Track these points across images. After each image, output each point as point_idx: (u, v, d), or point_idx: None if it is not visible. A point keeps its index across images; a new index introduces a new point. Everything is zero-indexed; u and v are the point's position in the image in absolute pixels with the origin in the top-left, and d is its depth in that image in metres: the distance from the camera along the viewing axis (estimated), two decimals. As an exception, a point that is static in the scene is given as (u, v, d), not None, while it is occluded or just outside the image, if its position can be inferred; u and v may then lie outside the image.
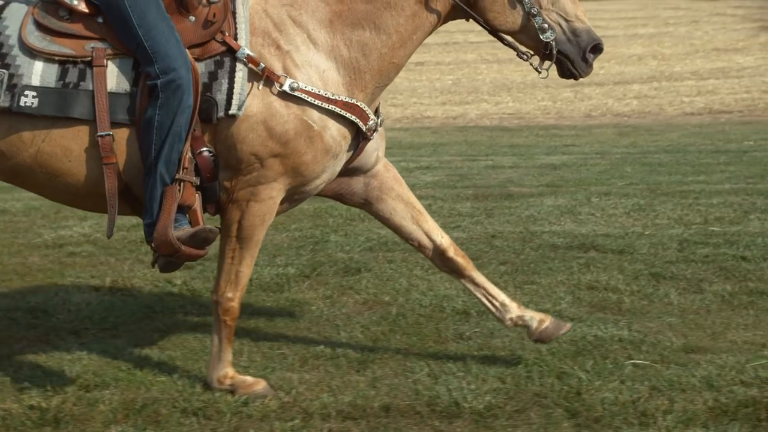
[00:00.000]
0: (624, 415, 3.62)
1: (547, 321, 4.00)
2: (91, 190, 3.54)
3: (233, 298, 3.76)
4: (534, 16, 3.58)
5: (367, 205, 4.04)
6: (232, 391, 3.78)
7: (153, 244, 3.50)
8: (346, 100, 3.59)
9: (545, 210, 7.12)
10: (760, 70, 24.50)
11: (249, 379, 3.83)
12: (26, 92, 3.44)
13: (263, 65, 3.50)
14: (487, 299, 4.04)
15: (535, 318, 4.00)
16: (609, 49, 33.88)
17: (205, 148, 3.52)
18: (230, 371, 3.80)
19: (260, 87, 3.52)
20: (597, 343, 4.35)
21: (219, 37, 3.52)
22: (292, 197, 3.77)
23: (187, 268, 5.60)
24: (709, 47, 31.03)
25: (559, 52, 3.60)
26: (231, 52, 3.51)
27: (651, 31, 35.39)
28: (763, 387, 3.83)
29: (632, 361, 4.13)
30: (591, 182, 8.30)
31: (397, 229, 4.06)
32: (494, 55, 30.37)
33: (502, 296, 4.03)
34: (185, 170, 3.48)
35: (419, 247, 4.06)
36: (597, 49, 3.64)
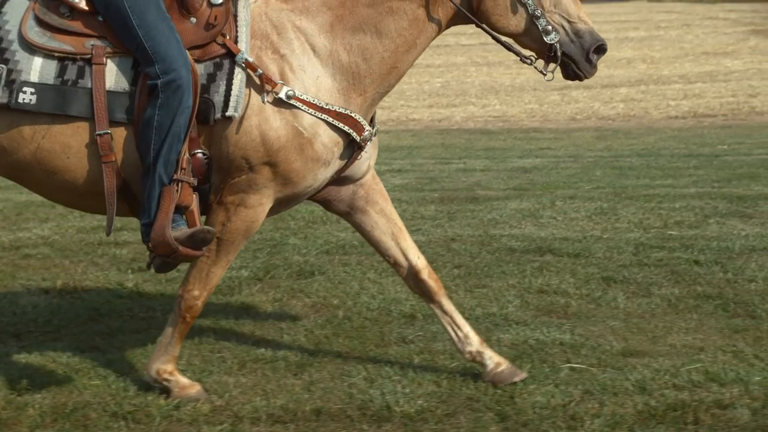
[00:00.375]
0: (553, 419, 3.64)
1: (504, 365, 3.95)
2: (89, 189, 3.54)
3: (199, 296, 3.76)
4: (538, 18, 3.57)
5: (351, 215, 4.02)
6: (165, 389, 3.79)
7: (150, 245, 3.49)
8: (339, 110, 3.58)
9: (508, 213, 7.13)
10: (748, 74, 24.53)
11: (185, 381, 3.84)
12: (24, 89, 3.44)
13: (261, 71, 3.50)
14: (452, 328, 4.00)
15: (493, 359, 3.96)
16: (598, 52, 34.22)
17: (199, 150, 3.53)
18: (171, 367, 3.80)
19: (256, 92, 3.52)
20: (538, 347, 4.37)
21: (220, 39, 3.53)
22: (282, 202, 3.76)
23: (141, 271, 5.63)
24: (698, 51, 31.08)
25: (563, 54, 3.59)
26: (231, 54, 3.52)
27: (642, 35, 35.50)
28: (694, 390, 3.85)
29: (569, 365, 4.14)
30: (558, 186, 8.31)
31: (375, 244, 4.04)
32: (484, 58, 30.45)
33: (467, 328, 4.00)
34: (183, 171, 3.48)
35: (395, 265, 4.05)
36: (600, 49, 3.63)
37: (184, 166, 3.48)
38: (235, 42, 3.54)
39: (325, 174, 3.69)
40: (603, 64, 18.47)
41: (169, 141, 3.41)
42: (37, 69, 3.46)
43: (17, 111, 3.47)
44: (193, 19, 3.54)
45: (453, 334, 4.01)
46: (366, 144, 3.73)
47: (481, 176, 9.03)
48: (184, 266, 3.87)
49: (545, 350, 4.33)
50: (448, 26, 3.73)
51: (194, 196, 3.53)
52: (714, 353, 4.27)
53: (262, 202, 3.63)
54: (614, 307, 4.94)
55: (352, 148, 3.71)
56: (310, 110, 3.53)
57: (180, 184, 3.48)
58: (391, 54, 3.63)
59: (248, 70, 3.50)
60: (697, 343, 4.42)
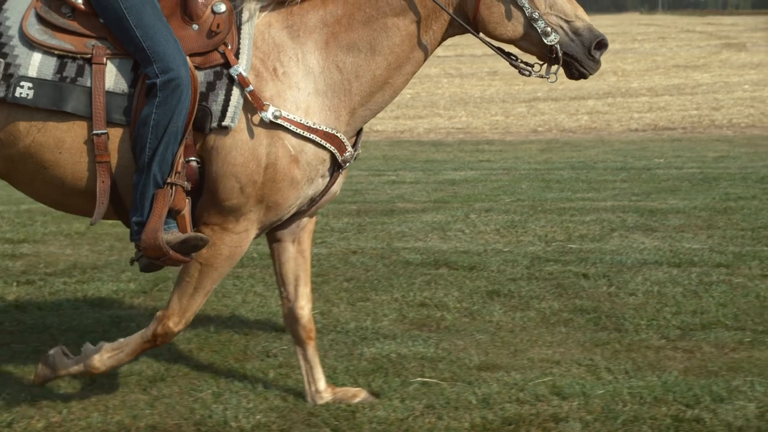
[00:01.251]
0: (385, 433, 3.64)
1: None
2: (77, 187, 3.54)
3: (176, 325, 3.68)
4: (536, 20, 3.53)
5: (277, 241, 3.97)
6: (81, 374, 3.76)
7: (141, 245, 3.46)
8: (327, 130, 3.55)
9: (417, 227, 7.15)
10: (715, 87, 24.64)
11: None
12: (22, 83, 3.45)
13: (251, 88, 3.48)
14: (308, 377, 3.98)
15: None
16: (570, 65, 34.09)
17: (193, 158, 3.51)
18: (101, 368, 3.71)
19: (248, 107, 3.50)
20: (397, 361, 4.38)
21: (221, 48, 3.51)
22: (265, 227, 3.72)
23: (28, 283, 5.63)
24: (670, 64, 31.23)
25: (564, 54, 3.55)
26: (229, 65, 3.52)
27: (617, 47, 35.60)
28: (535, 404, 3.86)
29: (420, 379, 4.15)
30: (479, 198, 8.33)
31: (279, 274, 4.01)
32: (458, 70, 30.58)
33: (322, 384, 3.97)
34: (178, 174, 3.47)
35: (283, 299, 4.02)
36: (602, 44, 3.56)
37: (179, 169, 3.47)
38: (237, 54, 3.52)
39: (307, 193, 3.66)
40: None
41: (165, 140, 3.40)
42: (35, 64, 3.47)
43: (14, 105, 3.47)
44: (195, 26, 3.53)
45: (307, 384, 3.98)
46: (346, 165, 3.71)
47: (407, 188, 9.05)
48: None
49: (403, 364, 4.34)
50: (444, 39, 3.69)
51: (187, 201, 3.51)
52: (568, 366, 4.28)
53: (247, 228, 3.60)
54: (488, 321, 4.95)
55: (333, 168, 3.69)
56: (298, 130, 3.51)
57: (174, 187, 3.46)
58: (384, 71, 3.62)
59: (240, 84, 3.49)
60: (555, 356, 4.43)
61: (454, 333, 4.78)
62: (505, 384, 4.08)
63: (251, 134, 3.50)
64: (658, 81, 26.66)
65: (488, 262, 6.03)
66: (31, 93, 3.45)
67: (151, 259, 3.48)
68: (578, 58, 3.54)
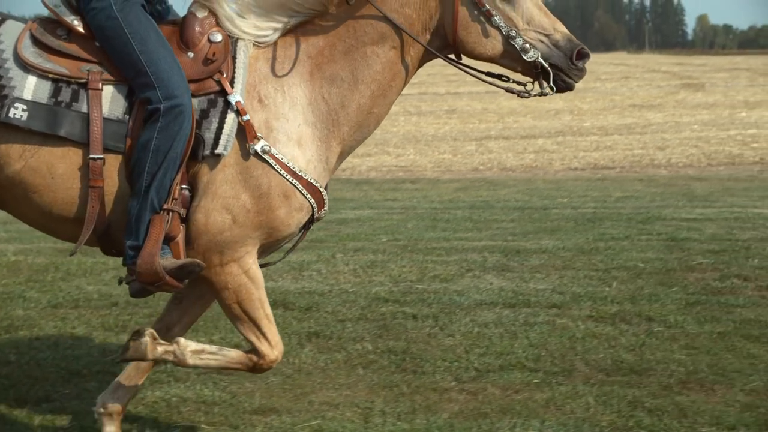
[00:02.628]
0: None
1: None
2: (65, 213, 3.51)
3: (273, 354, 3.63)
4: (513, 38, 3.54)
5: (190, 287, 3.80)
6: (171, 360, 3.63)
7: (137, 270, 3.43)
8: (311, 181, 3.53)
9: (280, 266, 7.07)
10: (665, 126, 24.79)
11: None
12: (16, 104, 3.43)
13: (247, 117, 3.48)
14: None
15: None
16: (530, 103, 33.85)
17: (185, 186, 3.49)
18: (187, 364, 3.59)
19: (240, 136, 3.49)
20: (174, 405, 4.33)
21: (217, 76, 3.52)
22: (265, 250, 3.67)
23: None
24: (626, 103, 31.46)
25: (551, 65, 3.53)
26: (224, 93, 3.50)
27: (579, 86, 35.64)
28: (283, 449, 3.80)
29: (182, 423, 4.09)
30: (357, 238, 8.29)
31: (169, 311, 3.89)
32: (417, 108, 30.69)
33: (118, 419, 3.83)
34: (174, 201, 3.45)
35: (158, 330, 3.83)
36: (582, 53, 3.55)
37: (176, 196, 3.46)
38: (231, 83, 3.52)
39: (301, 222, 3.62)
40: (530, 116, 18.68)
41: (165, 166, 3.39)
42: (30, 87, 3.46)
43: (6, 126, 3.44)
44: (191, 54, 3.54)
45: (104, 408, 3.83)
46: (318, 219, 3.68)
47: (293, 228, 8.99)
48: None
49: (179, 408, 4.28)
50: (421, 65, 3.69)
51: (182, 227, 3.49)
52: (344, 410, 4.23)
53: (248, 251, 3.55)
54: (291, 363, 4.89)
55: (306, 225, 3.65)
56: (282, 171, 3.48)
57: (171, 213, 3.45)
58: (368, 99, 3.61)
59: (238, 112, 3.47)
60: (338, 399, 4.37)
61: (249, 376, 4.71)
62: (270, 428, 4.03)
63: (243, 165, 3.47)
64: (611, 120, 26.82)
65: (325, 303, 5.99)
66: (25, 115, 3.43)
67: (145, 284, 3.45)
68: (562, 68, 3.53)
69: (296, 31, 3.60)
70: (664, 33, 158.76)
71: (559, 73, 3.54)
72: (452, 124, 27.37)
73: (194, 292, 3.83)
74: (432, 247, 7.75)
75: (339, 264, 7.16)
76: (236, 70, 3.53)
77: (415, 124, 27.08)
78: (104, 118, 3.45)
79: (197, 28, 3.56)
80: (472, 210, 10.07)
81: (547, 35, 3.56)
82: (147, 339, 3.59)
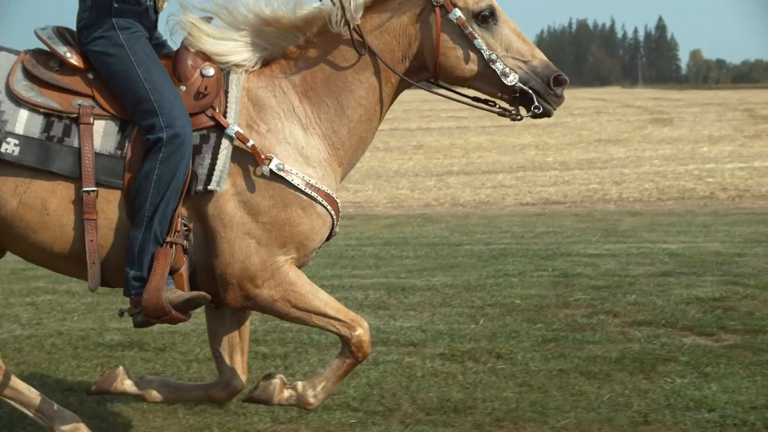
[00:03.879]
0: None
1: None
2: (64, 249, 3.51)
3: (360, 330, 3.61)
4: (494, 62, 3.59)
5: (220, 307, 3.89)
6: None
7: (143, 305, 3.42)
8: (329, 192, 3.58)
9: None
10: (625, 161, 24.86)
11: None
12: (8, 139, 3.43)
13: (252, 142, 3.49)
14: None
15: None
16: (498, 139, 33.52)
17: (181, 220, 3.50)
18: (312, 399, 3.71)
19: (245, 165, 3.51)
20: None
21: (209, 112, 3.53)
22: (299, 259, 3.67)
23: None
24: (593, 138, 31.58)
25: (530, 88, 3.59)
26: (218, 128, 3.51)
27: (549, 121, 35.68)
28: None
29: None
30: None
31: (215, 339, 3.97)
32: (386, 143, 30.81)
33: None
34: (177, 233, 3.46)
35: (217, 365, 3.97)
36: (560, 80, 3.61)
37: (178, 228, 3.46)
38: (224, 116, 3.54)
39: (324, 235, 3.63)
40: (495, 151, 18.53)
41: (167, 196, 3.40)
42: (22, 121, 3.46)
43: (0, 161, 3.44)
44: (183, 87, 3.55)
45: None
46: (335, 233, 3.72)
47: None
48: None
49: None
50: (401, 90, 3.75)
51: (185, 259, 3.49)
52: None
53: (279, 265, 3.53)
54: (114, 404, 4.83)
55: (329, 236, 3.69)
56: (300, 185, 3.50)
57: (174, 246, 3.45)
58: (356, 124, 3.66)
59: (239, 142, 3.49)
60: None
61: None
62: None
63: (252, 191, 3.50)
64: (574, 155, 26.87)
65: (182, 343, 5.93)
66: (17, 150, 3.43)
67: (150, 317, 3.44)
68: (540, 93, 3.58)
69: (282, 59, 3.67)
70: (658, 68, 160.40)
71: (537, 98, 3.59)
72: (417, 160, 27.42)
73: (227, 323, 3.89)
74: (321, 285, 7.67)
75: (219, 303, 7.11)
76: (228, 104, 3.56)
77: (380, 160, 27.16)
78: (96, 153, 3.46)
79: (190, 62, 3.59)
80: (384, 247, 10.05)
81: (525, 62, 3.60)
82: (277, 381, 3.69)
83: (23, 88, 3.49)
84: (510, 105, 3.64)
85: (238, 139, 3.49)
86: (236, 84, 3.60)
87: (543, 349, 5.60)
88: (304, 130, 3.61)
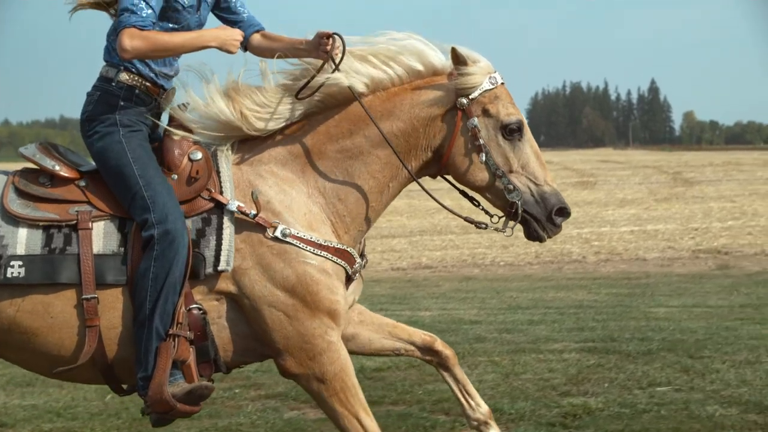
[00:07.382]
0: None
1: None
2: (70, 355, 3.53)
3: None
4: (500, 177, 3.66)
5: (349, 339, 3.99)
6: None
7: (147, 402, 3.47)
8: (338, 246, 3.61)
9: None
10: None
11: None
12: (12, 263, 3.48)
13: (254, 212, 3.55)
14: (463, 395, 4.11)
15: None
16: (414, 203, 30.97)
17: (194, 305, 3.52)
18: None
19: (252, 239, 3.57)
20: None
21: (206, 194, 3.59)
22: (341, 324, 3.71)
23: None
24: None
25: (525, 212, 3.67)
26: (218, 207, 3.57)
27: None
28: None
29: None
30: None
31: (380, 352, 4.09)
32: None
33: (477, 398, 4.11)
34: (179, 325, 3.47)
35: (407, 353, 4.09)
36: (563, 212, 3.70)
37: (181, 320, 3.47)
38: (221, 194, 3.60)
39: (344, 289, 3.65)
40: (407, 215, 17.21)
41: (165, 293, 3.41)
42: (23, 241, 3.50)
43: (5, 285, 3.50)
44: (175, 176, 3.61)
45: (464, 401, 4.11)
46: (355, 276, 3.76)
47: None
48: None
49: None
50: (420, 175, 3.80)
51: (191, 350, 3.50)
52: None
53: (330, 339, 3.58)
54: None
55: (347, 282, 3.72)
56: (309, 248, 3.56)
57: (177, 338, 3.45)
58: (365, 194, 3.71)
59: (241, 215, 3.55)
60: None
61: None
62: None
63: (264, 264, 3.53)
64: (483, 218, 25.57)
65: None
66: (22, 271, 3.48)
67: (159, 413, 3.48)
68: (539, 219, 3.68)
69: (282, 131, 3.75)
70: (651, 129, 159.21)
71: (534, 224, 3.70)
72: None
73: (361, 338, 4.02)
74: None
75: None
76: (222, 182, 3.63)
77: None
78: (99, 255, 3.50)
79: (177, 151, 3.66)
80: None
81: (537, 185, 3.68)
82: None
83: (19, 206, 3.55)
84: (504, 216, 3.73)
85: (240, 212, 3.55)
86: (225, 162, 3.67)
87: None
88: (306, 198, 3.67)
